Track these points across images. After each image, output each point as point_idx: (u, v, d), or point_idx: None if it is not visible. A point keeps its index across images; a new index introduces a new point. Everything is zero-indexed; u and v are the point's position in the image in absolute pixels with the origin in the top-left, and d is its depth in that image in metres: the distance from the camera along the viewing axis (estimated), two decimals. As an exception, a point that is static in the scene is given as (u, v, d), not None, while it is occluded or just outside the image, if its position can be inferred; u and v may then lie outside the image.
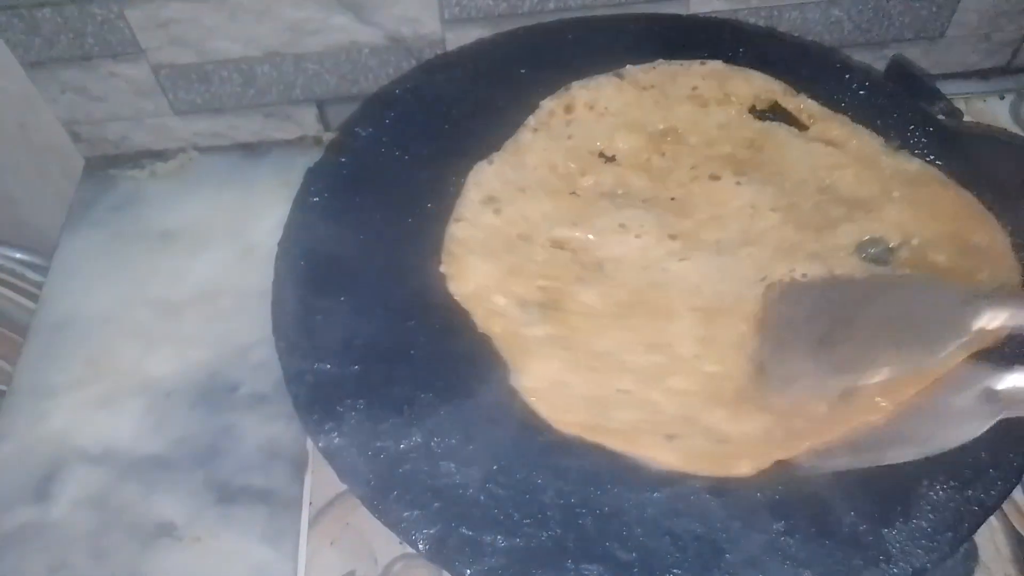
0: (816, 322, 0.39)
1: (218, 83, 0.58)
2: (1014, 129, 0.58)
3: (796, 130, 0.48)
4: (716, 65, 0.50)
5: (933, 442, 0.35)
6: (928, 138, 0.47)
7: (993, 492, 0.36)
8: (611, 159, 0.48)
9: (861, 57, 0.52)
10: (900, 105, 0.48)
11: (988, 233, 0.43)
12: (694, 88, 0.50)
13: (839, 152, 0.47)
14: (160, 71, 0.57)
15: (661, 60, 0.50)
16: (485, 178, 0.47)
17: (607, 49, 0.51)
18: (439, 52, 0.57)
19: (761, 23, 0.57)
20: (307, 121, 0.61)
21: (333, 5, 0.54)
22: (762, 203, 0.45)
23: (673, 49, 0.51)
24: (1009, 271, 0.41)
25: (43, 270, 0.59)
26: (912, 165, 0.46)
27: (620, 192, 0.47)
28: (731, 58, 0.51)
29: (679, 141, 0.48)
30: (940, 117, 0.48)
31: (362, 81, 0.58)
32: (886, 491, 0.36)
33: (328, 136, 0.60)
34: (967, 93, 0.60)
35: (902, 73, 0.50)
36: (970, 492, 0.36)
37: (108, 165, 0.61)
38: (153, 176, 0.61)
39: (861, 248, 0.43)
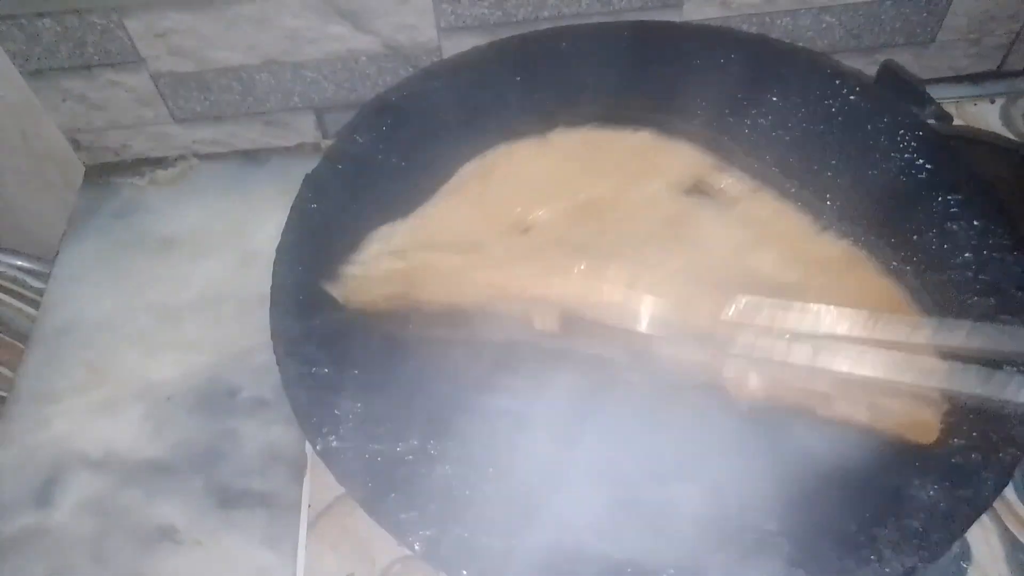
0: None
1: (217, 91, 0.58)
2: (1004, 133, 0.59)
3: (721, 208, 0.46)
4: (646, 136, 0.48)
5: None
6: (918, 142, 0.48)
7: (984, 491, 0.36)
8: (526, 230, 0.45)
9: (852, 62, 0.52)
10: (891, 110, 0.49)
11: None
12: (621, 159, 0.47)
13: (763, 233, 0.44)
14: (160, 79, 0.57)
15: (593, 124, 0.48)
16: (394, 235, 0.46)
17: (600, 57, 0.52)
18: (435, 60, 0.57)
19: (753, 30, 0.58)
20: (305, 128, 0.62)
21: (331, 14, 0.54)
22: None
23: (667, 56, 0.52)
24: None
25: (44, 277, 0.59)
26: (837, 249, 0.44)
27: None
28: (723, 64, 0.52)
29: (599, 215, 0.45)
30: (930, 121, 0.48)
31: (360, 88, 0.59)
32: (878, 490, 0.37)
33: (326, 143, 0.60)
34: (957, 97, 0.61)
35: (893, 78, 0.51)
36: (961, 491, 0.36)
37: (109, 173, 0.62)
38: (153, 183, 0.61)
39: None
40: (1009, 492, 0.43)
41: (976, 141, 0.51)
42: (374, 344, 0.43)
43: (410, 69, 0.58)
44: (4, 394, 0.53)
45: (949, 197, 0.46)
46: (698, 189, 0.47)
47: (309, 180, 0.48)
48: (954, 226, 0.45)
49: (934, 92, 0.49)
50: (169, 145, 0.62)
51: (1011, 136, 0.58)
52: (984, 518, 0.41)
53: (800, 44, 0.57)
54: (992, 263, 0.43)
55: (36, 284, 0.66)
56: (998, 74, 0.63)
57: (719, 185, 0.47)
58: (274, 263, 0.45)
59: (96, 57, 0.55)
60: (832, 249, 0.44)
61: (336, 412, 0.40)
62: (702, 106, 0.50)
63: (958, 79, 0.63)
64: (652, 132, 0.48)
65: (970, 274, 0.43)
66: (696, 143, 0.48)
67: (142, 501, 0.46)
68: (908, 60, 0.60)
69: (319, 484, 0.46)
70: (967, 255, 0.44)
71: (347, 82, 0.59)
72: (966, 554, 0.42)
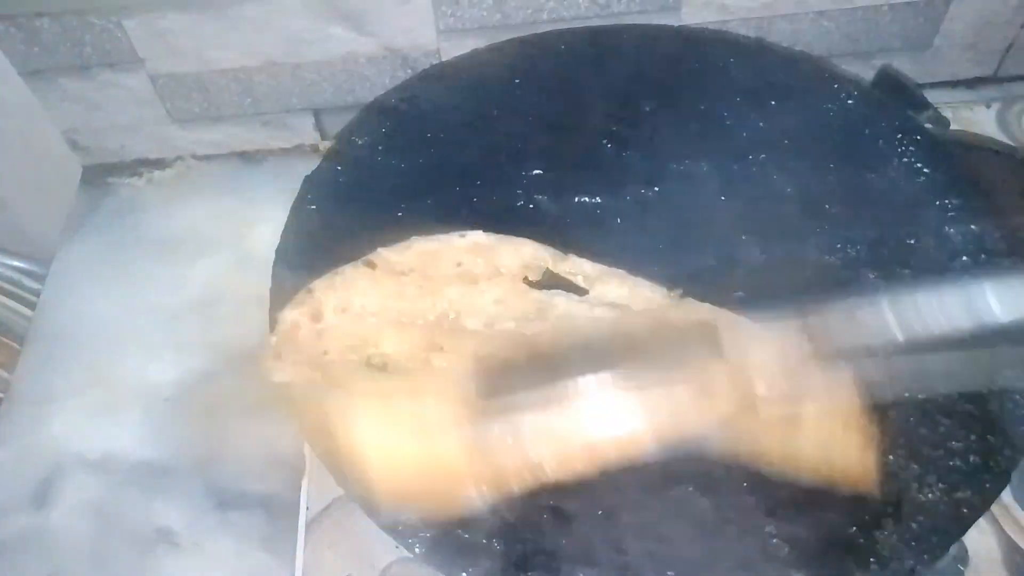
0: None
1: (216, 92, 0.58)
2: (1001, 137, 0.59)
3: (576, 296, 0.43)
4: (478, 237, 0.45)
5: None
6: (915, 147, 0.48)
7: (982, 494, 0.37)
8: (382, 368, 0.41)
9: (849, 67, 0.53)
10: (888, 114, 0.49)
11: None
12: (459, 264, 0.44)
13: (623, 313, 0.42)
14: (158, 80, 0.57)
15: (415, 237, 0.45)
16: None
17: (598, 61, 0.52)
18: (435, 62, 0.57)
19: (751, 34, 0.58)
20: (304, 130, 0.62)
21: (330, 16, 0.54)
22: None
23: (665, 60, 0.52)
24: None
25: (41, 278, 0.59)
26: (702, 311, 0.42)
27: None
28: (721, 68, 0.52)
29: (457, 329, 0.42)
30: (927, 126, 0.49)
31: (359, 90, 0.59)
32: (876, 493, 0.37)
33: (325, 145, 0.60)
34: (954, 102, 0.61)
35: (890, 83, 0.51)
36: (959, 494, 0.37)
37: (106, 173, 0.62)
38: (151, 184, 0.61)
39: None
40: (1006, 495, 0.43)
41: (973, 146, 0.51)
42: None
43: (409, 71, 0.58)
44: (1, 395, 0.52)
45: (946, 201, 0.46)
46: (547, 280, 0.45)
47: (308, 182, 0.48)
48: (951, 230, 0.45)
49: (931, 97, 0.50)
50: (167, 146, 0.61)
51: (1007, 141, 0.59)
52: (981, 521, 0.41)
53: (798, 48, 0.57)
54: (990, 268, 0.43)
55: (33, 285, 0.66)
56: (994, 79, 0.63)
57: (568, 271, 0.45)
58: (273, 264, 0.44)
59: (95, 57, 0.55)
60: (698, 311, 0.42)
61: (335, 414, 0.40)
62: (701, 106, 0.51)
63: (955, 84, 0.63)
64: (481, 233, 0.45)
65: (967, 278, 0.43)
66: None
67: (140, 503, 0.46)
68: (905, 65, 0.60)
69: (318, 486, 0.46)
70: (964, 259, 0.44)
71: (346, 84, 0.59)
72: (964, 557, 0.42)
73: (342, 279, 0.43)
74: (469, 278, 0.44)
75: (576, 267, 0.45)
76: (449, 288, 0.43)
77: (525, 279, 0.44)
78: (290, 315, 0.42)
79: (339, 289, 0.43)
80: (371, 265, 0.44)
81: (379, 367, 0.41)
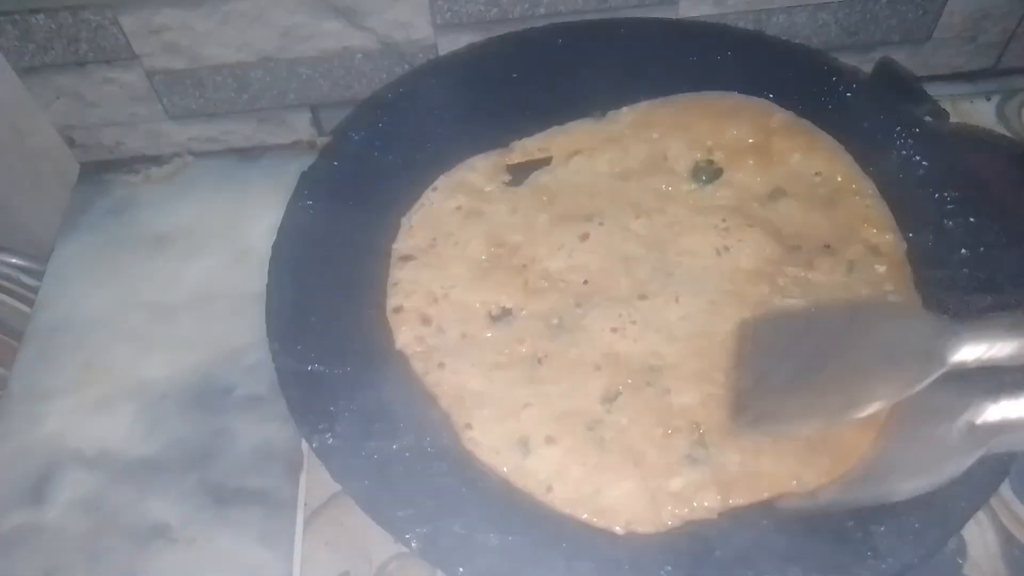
0: (792, 356, 0.39)
1: (212, 88, 0.58)
2: (1000, 130, 0.59)
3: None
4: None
5: (918, 480, 0.34)
6: (915, 139, 0.48)
7: (980, 488, 0.37)
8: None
9: (848, 60, 0.52)
10: (887, 107, 0.49)
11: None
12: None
13: None
14: (154, 76, 0.57)
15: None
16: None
17: (596, 55, 0.52)
18: (431, 57, 0.57)
19: (749, 27, 0.58)
20: (301, 125, 0.61)
21: (326, 10, 0.54)
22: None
23: (662, 53, 0.52)
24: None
25: (38, 275, 0.59)
26: None
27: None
28: (719, 61, 0.51)
29: None
30: (927, 119, 0.49)
31: (355, 86, 0.59)
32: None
33: (322, 140, 0.60)
34: (953, 95, 0.61)
35: (889, 75, 0.51)
36: (957, 488, 0.36)
37: (103, 170, 0.62)
38: (148, 181, 0.61)
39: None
40: (1004, 489, 0.43)
41: (972, 138, 0.51)
42: (370, 342, 0.43)
43: (406, 66, 0.57)
44: (-2, 392, 0.52)
45: (945, 194, 0.46)
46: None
47: (305, 177, 0.48)
48: (950, 223, 0.45)
49: (930, 90, 0.50)
50: (163, 142, 0.61)
51: (1007, 133, 0.58)
52: (980, 514, 0.41)
53: (796, 41, 0.57)
54: (988, 260, 0.43)
55: (30, 282, 0.66)
56: (993, 72, 0.63)
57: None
58: (270, 261, 0.44)
59: (90, 54, 0.55)
60: None
61: (331, 409, 0.40)
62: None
63: (954, 77, 0.63)
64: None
65: (966, 271, 0.43)
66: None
67: (136, 499, 0.46)
68: (904, 58, 0.60)
69: (315, 482, 0.46)
70: (963, 252, 0.44)
71: (342, 79, 0.58)
72: (962, 550, 0.42)
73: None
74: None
75: None
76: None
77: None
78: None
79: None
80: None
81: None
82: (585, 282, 0.45)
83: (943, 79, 0.62)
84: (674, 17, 0.57)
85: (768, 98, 0.51)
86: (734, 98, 0.51)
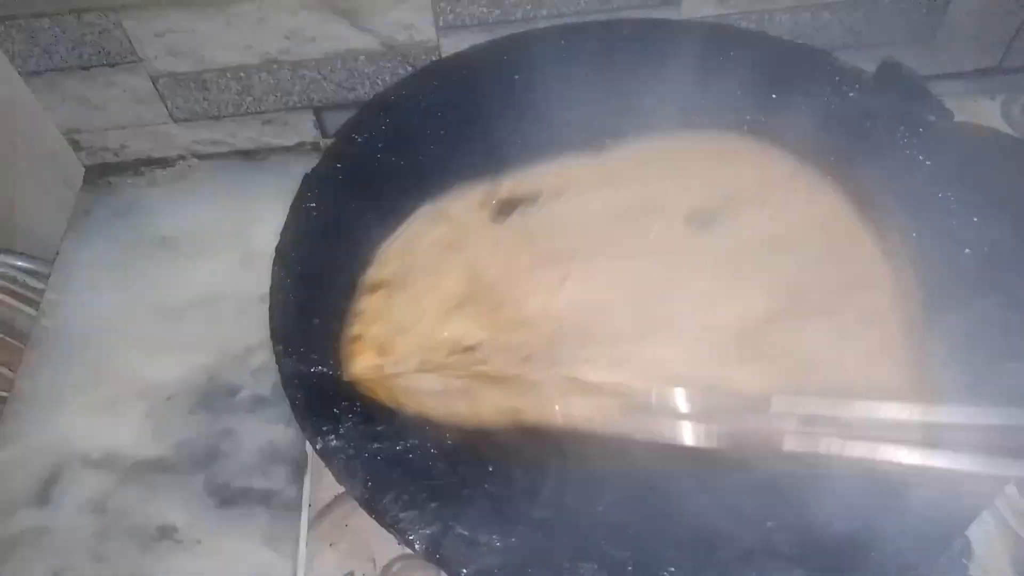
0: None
1: (216, 91, 0.58)
2: (1005, 129, 0.59)
3: None
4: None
5: None
6: (919, 139, 0.48)
7: (985, 488, 0.36)
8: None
9: (852, 59, 0.52)
10: (891, 107, 0.49)
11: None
12: None
13: None
14: (158, 79, 0.57)
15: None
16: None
17: (599, 54, 0.52)
18: (434, 58, 0.57)
19: (752, 27, 0.57)
20: (305, 128, 0.62)
21: (329, 13, 0.54)
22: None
23: (665, 53, 0.52)
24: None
25: (44, 277, 0.59)
26: None
27: None
28: (722, 61, 0.51)
29: None
30: (931, 118, 0.48)
31: (359, 88, 0.59)
32: (878, 487, 0.37)
33: (326, 142, 0.60)
34: (958, 94, 0.61)
35: (893, 75, 0.50)
36: (962, 487, 0.36)
37: (108, 173, 0.62)
38: (153, 183, 0.61)
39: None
40: (1010, 487, 0.43)
41: (977, 138, 0.51)
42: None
43: (409, 68, 0.58)
44: (4, 394, 0.53)
45: (950, 194, 0.46)
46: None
47: (308, 179, 0.48)
48: (955, 223, 0.45)
49: (934, 89, 0.49)
50: (168, 145, 0.62)
51: (1012, 132, 0.58)
52: (985, 514, 0.41)
53: (799, 41, 0.57)
54: (993, 260, 0.43)
55: (36, 284, 0.66)
56: (998, 71, 0.63)
57: None
58: (273, 263, 0.45)
59: (95, 57, 0.55)
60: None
61: (335, 411, 0.40)
62: (702, 105, 0.50)
63: (959, 76, 0.62)
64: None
65: (971, 271, 0.43)
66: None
67: (143, 500, 0.46)
68: (908, 57, 0.59)
69: (320, 483, 0.46)
70: (968, 252, 0.44)
71: (346, 81, 0.59)
72: (967, 550, 0.42)
73: None
74: None
75: None
76: None
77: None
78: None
79: None
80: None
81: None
82: (559, 327, 0.43)
83: (947, 78, 0.62)
84: (677, 17, 0.57)
85: (771, 98, 0.51)
86: (736, 141, 0.50)
